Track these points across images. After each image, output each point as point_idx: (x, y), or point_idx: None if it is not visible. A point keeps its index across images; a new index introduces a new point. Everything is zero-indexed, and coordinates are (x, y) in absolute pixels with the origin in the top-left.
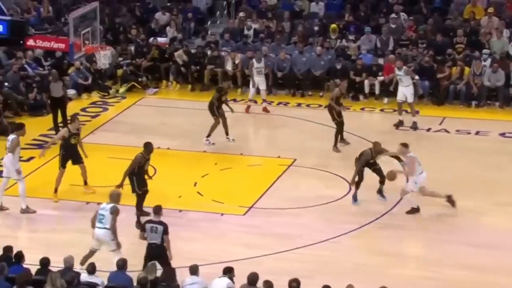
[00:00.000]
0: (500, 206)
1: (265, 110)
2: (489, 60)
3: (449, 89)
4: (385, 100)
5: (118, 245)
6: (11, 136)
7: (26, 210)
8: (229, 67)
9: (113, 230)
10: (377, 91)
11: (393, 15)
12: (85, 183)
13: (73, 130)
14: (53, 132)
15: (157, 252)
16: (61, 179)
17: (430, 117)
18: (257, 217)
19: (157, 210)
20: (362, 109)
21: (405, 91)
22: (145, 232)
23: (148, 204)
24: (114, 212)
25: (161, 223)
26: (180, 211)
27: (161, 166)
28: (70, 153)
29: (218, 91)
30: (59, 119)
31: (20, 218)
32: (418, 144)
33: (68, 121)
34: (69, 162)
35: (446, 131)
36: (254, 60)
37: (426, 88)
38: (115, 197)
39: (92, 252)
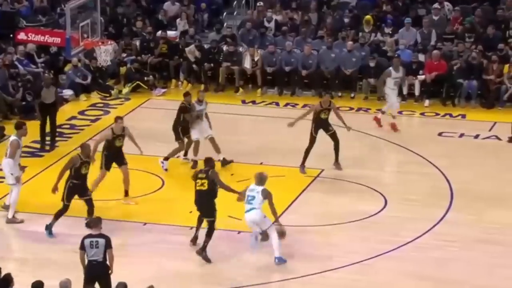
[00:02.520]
0: None
1: (394, 127)
2: None
3: (500, 90)
4: (426, 102)
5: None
6: (11, 138)
7: (13, 220)
8: (247, 64)
9: (272, 210)
10: (417, 92)
11: (435, 5)
12: (126, 193)
13: (117, 131)
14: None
15: (99, 271)
16: (100, 182)
17: (479, 122)
18: None
19: (96, 222)
20: (400, 112)
21: (205, 126)
22: (84, 251)
23: (157, 220)
24: (267, 196)
25: (102, 235)
26: (191, 228)
27: (170, 178)
28: (114, 155)
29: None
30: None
31: (9, 235)
32: (464, 153)
33: (56, 131)
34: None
35: (497, 138)
36: (391, 68)
37: (474, 89)
38: (264, 179)
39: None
